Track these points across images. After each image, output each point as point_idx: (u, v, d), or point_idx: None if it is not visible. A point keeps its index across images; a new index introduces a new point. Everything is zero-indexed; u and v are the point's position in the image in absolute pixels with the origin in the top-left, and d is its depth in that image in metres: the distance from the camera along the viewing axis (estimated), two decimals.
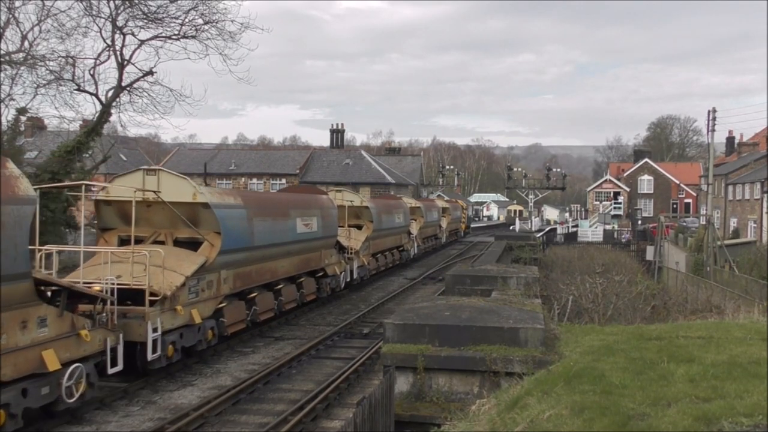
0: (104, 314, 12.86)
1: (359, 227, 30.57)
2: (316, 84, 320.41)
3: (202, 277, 16.07)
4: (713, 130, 46.41)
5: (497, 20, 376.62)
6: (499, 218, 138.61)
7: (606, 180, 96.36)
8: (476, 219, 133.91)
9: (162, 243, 16.50)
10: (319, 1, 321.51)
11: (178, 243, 16.79)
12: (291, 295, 21.81)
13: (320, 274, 24.67)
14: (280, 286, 20.98)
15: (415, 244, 39.64)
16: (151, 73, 28.68)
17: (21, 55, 27.25)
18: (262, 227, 19.14)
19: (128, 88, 28.83)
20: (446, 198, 73.55)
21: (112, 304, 13.08)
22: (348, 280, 27.65)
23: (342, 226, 27.82)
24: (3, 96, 27.50)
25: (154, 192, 15.95)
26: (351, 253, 27.79)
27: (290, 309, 21.98)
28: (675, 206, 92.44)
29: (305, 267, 23.07)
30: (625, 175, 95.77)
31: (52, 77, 27.45)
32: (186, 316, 15.36)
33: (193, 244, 16.72)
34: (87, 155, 29.61)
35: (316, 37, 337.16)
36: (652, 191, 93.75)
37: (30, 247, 11.11)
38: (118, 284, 13.46)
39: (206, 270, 16.23)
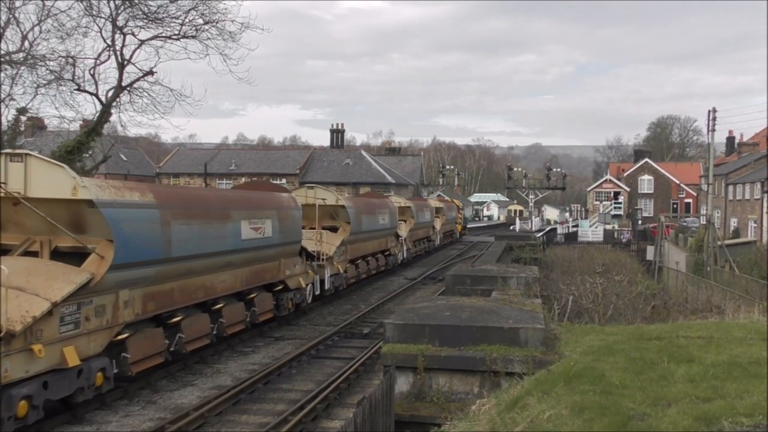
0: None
1: (334, 229, 26.96)
2: (317, 84, 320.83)
3: (86, 302, 12.11)
4: (713, 130, 46.43)
5: (498, 20, 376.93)
6: (499, 218, 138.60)
7: (606, 180, 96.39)
8: (476, 219, 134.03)
9: (35, 254, 12.83)
10: (321, 0, 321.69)
11: (58, 254, 12.90)
12: (236, 315, 17.92)
13: (280, 287, 20.96)
14: (220, 305, 17.11)
15: (404, 248, 36.21)
16: (151, 73, 28.66)
17: (21, 55, 27.23)
18: (186, 233, 14.96)
19: (128, 88, 28.81)
20: (445, 198, 73.29)
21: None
22: (317, 292, 24.27)
23: (312, 228, 24.89)
24: (3, 96, 27.49)
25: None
26: (322, 259, 24.38)
27: (236, 332, 18.39)
28: (675, 206, 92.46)
29: (257, 280, 19.18)
30: (625, 175, 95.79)
31: (52, 77, 27.43)
32: (52, 357, 11.29)
33: (80, 256, 12.75)
34: (87, 155, 29.58)
35: (318, 37, 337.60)
36: (652, 191, 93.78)
37: None
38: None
39: (93, 291, 12.23)
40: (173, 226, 14.52)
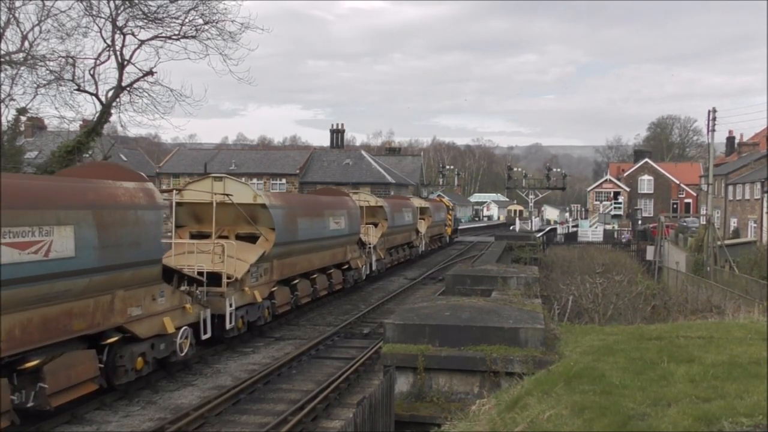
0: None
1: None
2: (317, 84, 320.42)
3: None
4: (713, 130, 46.44)
5: (500, 20, 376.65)
6: (499, 218, 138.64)
7: (606, 180, 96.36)
8: (476, 219, 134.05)
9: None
10: (322, 0, 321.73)
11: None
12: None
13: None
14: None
15: (372, 258, 30.59)
16: (151, 73, 28.66)
17: (21, 55, 27.23)
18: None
19: (128, 88, 28.80)
20: (444, 198, 73.02)
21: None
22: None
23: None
24: (3, 96, 27.48)
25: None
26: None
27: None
28: (675, 206, 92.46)
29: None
30: (625, 175, 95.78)
31: (52, 77, 27.42)
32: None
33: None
34: (87, 155, 29.56)
35: (319, 37, 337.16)
36: (652, 191, 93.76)
37: None
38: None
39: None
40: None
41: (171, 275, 15.25)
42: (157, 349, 14.21)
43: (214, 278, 17.03)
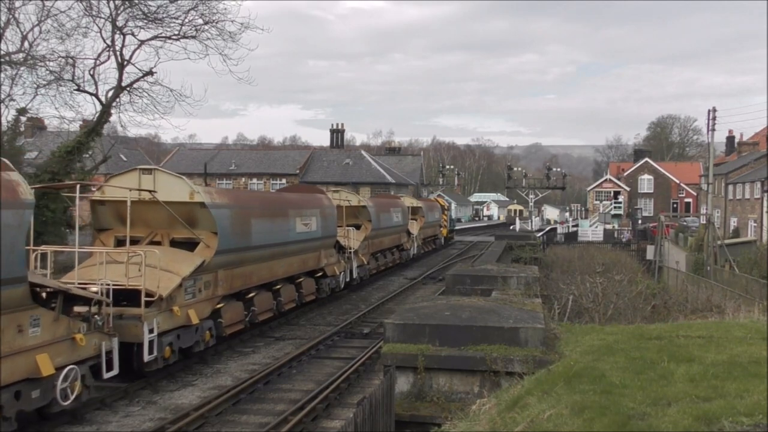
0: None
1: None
2: (318, 84, 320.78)
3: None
4: (713, 130, 46.47)
5: (500, 20, 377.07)
6: (499, 218, 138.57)
7: (606, 179, 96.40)
8: (476, 219, 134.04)
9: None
10: (323, 1, 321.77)
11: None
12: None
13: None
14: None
15: (352, 264, 27.29)
16: (151, 73, 28.70)
17: (21, 55, 27.27)
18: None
19: (128, 89, 28.84)
20: (444, 197, 72.90)
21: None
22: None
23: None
24: (3, 96, 27.54)
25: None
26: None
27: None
28: (675, 206, 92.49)
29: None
30: (625, 174, 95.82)
31: (52, 77, 27.48)
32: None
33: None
34: (87, 155, 29.61)
35: (320, 37, 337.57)
36: (652, 191, 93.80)
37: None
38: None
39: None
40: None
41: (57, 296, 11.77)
42: (26, 399, 10.69)
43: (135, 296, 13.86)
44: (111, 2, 27.93)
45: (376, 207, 32.10)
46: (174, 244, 16.48)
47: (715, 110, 46.18)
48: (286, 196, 23.09)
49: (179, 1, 28.46)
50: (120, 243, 16.06)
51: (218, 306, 16.85)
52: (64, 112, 38.20)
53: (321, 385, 14.41)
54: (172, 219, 16.06)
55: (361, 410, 8.90)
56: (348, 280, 27.12)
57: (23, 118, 33.30)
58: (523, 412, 8.60)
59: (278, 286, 20.58)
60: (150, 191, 15.75)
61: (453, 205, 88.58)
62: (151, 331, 13.77)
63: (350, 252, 27.52)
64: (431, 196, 70.78)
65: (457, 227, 77.24)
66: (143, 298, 13.64)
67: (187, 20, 28.63)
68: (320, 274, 24.22)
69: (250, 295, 18.77)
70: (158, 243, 16.28)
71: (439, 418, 10.88)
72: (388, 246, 35.32)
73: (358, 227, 29.61)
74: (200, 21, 28.73)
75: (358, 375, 15.54)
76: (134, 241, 15.77)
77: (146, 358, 13.70)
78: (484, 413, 9.66)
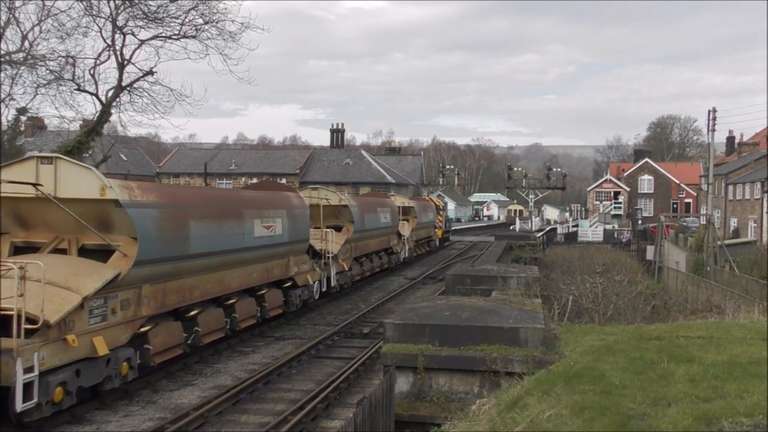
0: None
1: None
2: (318, 84, 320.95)
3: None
4: (713, 130, 46.45)
5: (500, 20, 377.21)
6: (499, 218, 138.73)
7: (606, 180, 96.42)
8: (476, 219, 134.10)
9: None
10: (323, 1, 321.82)
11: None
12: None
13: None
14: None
15: (331, 272, 24.79)
16: (151, 72, 28.69)
17: (21, 55, 27.26)
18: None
19: (128, 88, 28.83)
20: (444, 197, 72.82)
21: None
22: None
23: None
24: (3, 96, 27.53)
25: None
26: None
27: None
28: (675, 206, 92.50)
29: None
30: (625, 174, 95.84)
31: (52, 77, 27.46)
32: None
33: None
34: (87, 155, 29.61)
35: (320, 37, 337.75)
36: (652, 191, 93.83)
37: None
38: None
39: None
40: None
41: None
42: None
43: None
44: (111, 2, 27.92)
45: (360, 207, 28.99)
46: (84, 252, 13.18)
47: (715, 110, 46.21)
48: (240, 194, 19.58)
49: (179, 1, 28.45)
50: (19, 251, 13.27)
51: (143, 329, 13.68)
52: (64, 112, 38.33)
53: (321, 384, 14.41)
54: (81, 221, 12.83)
55: (361, 410, 8.90)
56: (325, 289, 24.20)
57: (23, 118, 33.35)
58: (522, 413, 8.60)
59: (232, 301, 17.42)
60: (35, 185, 12.41)
61: (452, 205, 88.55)
62: (29, 369, 10.47)
63: (329, 257, 24.32)
64: (431, 196, 70.63)
65: (457, 227, 77.19)
66: (21, 326, 10.46)
67: (187, 20, 28.63)
68: (289, 284, 21.07)
69: (192, 312, 15.58)
70: (63, 251, 13.12)
71: (438, 418, 10.88)
72: (374, 249, 32.11)
73: (339, 229, 26.68)
74: (200, 21, 28.72)
75: (358, 375, 15.55)
76: (34, 249, 13.20)
77: (19, 406, 10.30)
78: (484, 413, 9.66)
